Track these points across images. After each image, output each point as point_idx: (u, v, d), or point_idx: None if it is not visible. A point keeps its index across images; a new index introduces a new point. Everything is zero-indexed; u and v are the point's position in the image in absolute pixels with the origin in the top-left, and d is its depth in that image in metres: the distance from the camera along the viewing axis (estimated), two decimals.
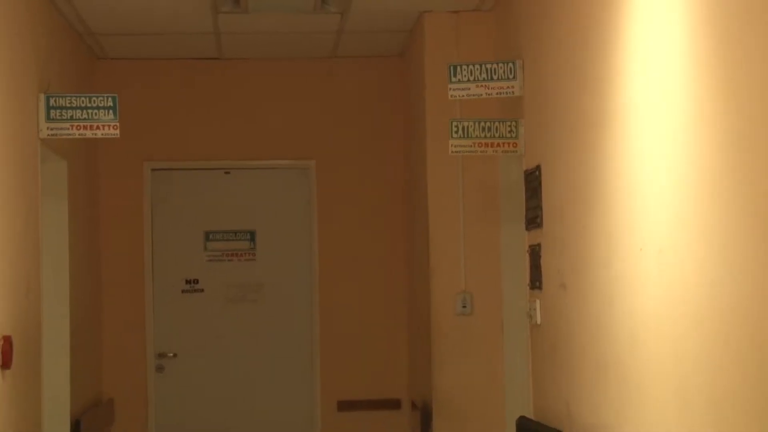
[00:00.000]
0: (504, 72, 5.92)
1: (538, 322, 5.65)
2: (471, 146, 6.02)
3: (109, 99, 5.93)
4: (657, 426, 3.89)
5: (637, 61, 4.09)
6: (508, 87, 5.92)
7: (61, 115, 5.86)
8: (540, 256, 5.60)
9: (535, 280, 5.71)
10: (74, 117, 5.88)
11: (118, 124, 5.92)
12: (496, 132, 6.00)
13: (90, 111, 5.91)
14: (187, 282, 8.02)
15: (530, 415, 5.83)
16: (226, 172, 8.12)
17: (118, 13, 6.70)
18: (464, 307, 6.75)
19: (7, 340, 4.95)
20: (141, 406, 7.87)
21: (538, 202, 5.60)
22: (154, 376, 7.93)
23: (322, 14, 6.80)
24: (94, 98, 5.95)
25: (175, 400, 7.96)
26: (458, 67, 5.96)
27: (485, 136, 6.01)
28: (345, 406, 7.95)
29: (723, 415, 3.32)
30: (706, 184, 3.40)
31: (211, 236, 8.05)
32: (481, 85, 5.95)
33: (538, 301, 5.65)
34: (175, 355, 7.97)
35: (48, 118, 5.83)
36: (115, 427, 7.79)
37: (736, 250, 3.20)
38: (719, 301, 3.32)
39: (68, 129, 5.89)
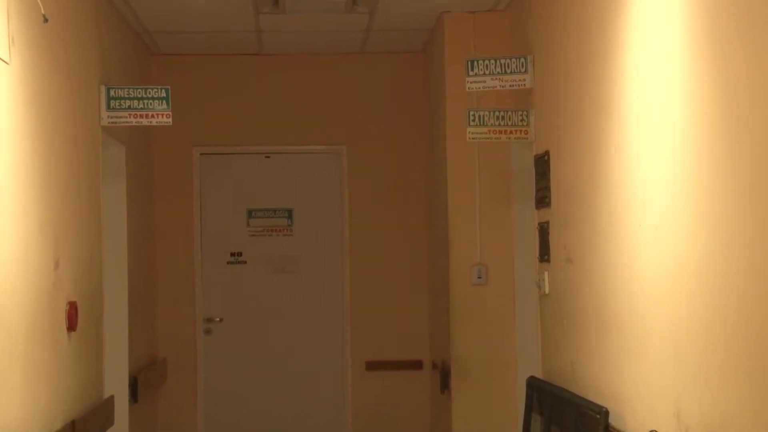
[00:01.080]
0: (516, 66, 5.92)
1: (546, 291, 5.66)
2: (486, 133, 6.03)
3: (163, 90, 5.94)
4: (653, 383, 3.90)
5: (637, 56, 4.08)
6: (520, 80, 5.92)
7: (119, 104, 5.87)
8: (548, 232, 5.61)
9: (544, 254, 5.72)
10: (131, 107, 5.89)
11: (170, 113, 5.93)
12: (509, 120, 6.00)
13: (145, 101, 5.92)
14: (232, 255, 8.05)
15: (539, 374, 5.84)
16: (267, 156, 8.12)
17: (171, 14, 6.72)
18: (479, 277, 6.76)
19: (73, 305, 4.98)
20: (191, 365, 7.92)
21: (546, 183, 5.60)
22: (203, 338, 7.97)
23: (353, 14, 6.81)
24: (149, 90, 5.96)
25: (221, 359, 7.99)
26: (475, 62, 5.96)
27: (499, 124, 6.01)
28: (372, 366, 7.97)
29: (713, 372, 3.32)
30: (699, 167, 3.40)
31: (253, 214, 8.07)
32: (496, 78, 5.95)
33: (546, 273, 5.66)
34: (221, 320, 8.01)
35: (108, 108, 5.85)
36: (167, 384, 7.84)
37: (725, 226, 3.21)
38: (709, 270, 3.33)
39: (126, 117, 5.90)
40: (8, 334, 3.97)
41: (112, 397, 5.90)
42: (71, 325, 4.95)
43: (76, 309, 5.02)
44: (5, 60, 3.99)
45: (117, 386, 6.26)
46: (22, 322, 4.16)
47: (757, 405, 3.02)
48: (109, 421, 5.79)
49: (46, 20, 4.55)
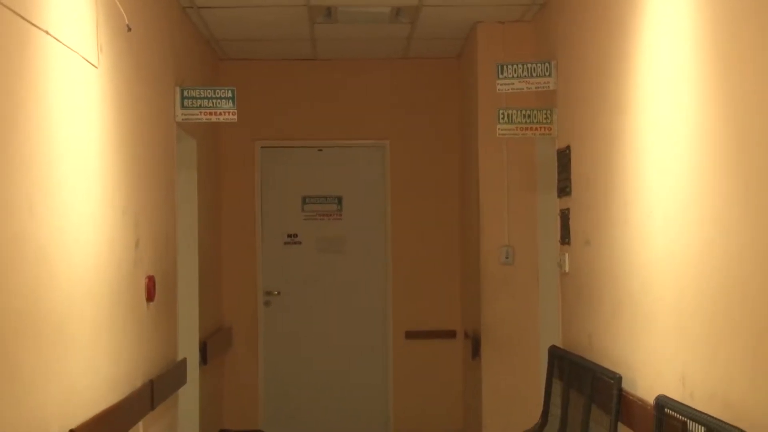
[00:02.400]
0: (541, 70, 5.90)
1: (567, 270, 5.66)
2: (514, 130, 6.01)
3: (229, 91, 5.95)
4: (661, 352, 3.90)
5: (648, 61, 4.07)
6: (544, 82, 5.90)
7: (192, 103, 5.88)
8: (569, 218, 5.60)
9: (565, 237, 5.71)
10: (202, 105, 5.90)
11: (235, 111, 5.93)
12: (534, 119, 5.98)
13: (214, 101, 5.93)
14: (288, 236, 8.07)
15: (559, 344, 5.84)
16: (319, 150, 8.13)
17: (237, 24, 6.74)
18: (507, 258, 6.75)
19: (151, 279, 5.02)
20: (252, 332, 7.95)
21: (567, 175, 5.59)
22: (263, 309, 7.99)
23: (396, 24, 6.81)
24: (217, 90, 5.97)
25: (279, 328, 8.02)
26: (504, 66, 5.95)
27: (525, 122, 6.00)
28: (411, 335, 7.97)
29: (715, 342, 3.33)
30: (703, 164, 3.40)
31: (307, 200, 8.09)
32: (523, 81, 5.93)
33: (566, 254, 5.66)
34: (278, 293, 8.04)
35: (182, 106, 5.86)
36: (232, 349, 7.88)
37: (725, 215, 3.21)
38: (711, 253, 3.33)
39: (197, 115, 5.91)
40: (96, 305, 4.02)
41: (184, 360, 5.94)
42: (149, 297, 4.99)
43: (153, 282, 5.05)
44: (94, 64, 4.04)
45: (189, 350, 6.28)
46: (107, 294, 4.20)
47: (753, 371, 3.02)
48: (182, 380, 5.84)
49: (129, 29, 4.59)
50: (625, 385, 4.37)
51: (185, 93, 5.89)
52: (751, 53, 3.01)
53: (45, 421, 3.33)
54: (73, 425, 3.60)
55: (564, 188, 5.68)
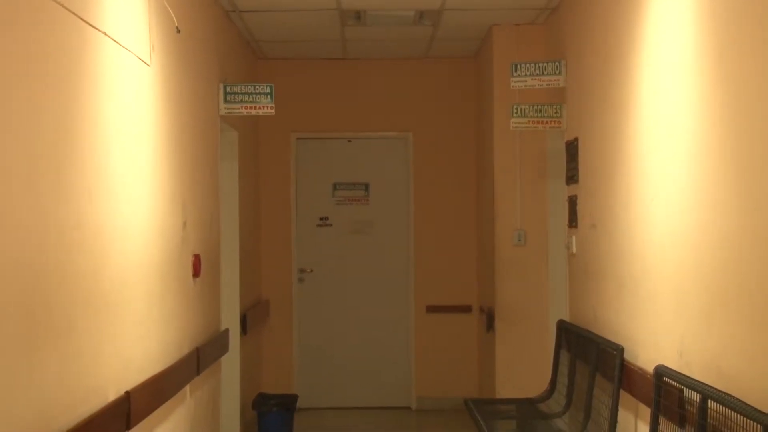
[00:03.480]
0: (552, 69, 5.88)
1: (574, 251, 5.65)
2: (527, 123, 6.00)
3: (267, 87, 5.98)
4: (661, 326, 3.90)
5: (649, 61, 4.06)
6: (555, 80, 5.88)
7: (234, 98, 5.91)
8: (576, 204, 5.59)
9: (572, 221, 5.70)
10: (243, 100, 5.93)
11: (273, 105, 5.96)
12: (545, 113, 5.96)
13: (254, 96, 5.95)
14: (320, 219, 8.08)
15: (567, 319, 5.85)
16: (349, 141, 8.12)
17: (275, 27, 6.74)
18: (519, 240, 6.74)
19: (197, 257, 5.06)
20: (287, 305, 7.98)
21: (575, 164, 5.58)
22: (297, 284, 8.01)
23: (419, 26, 6.80)
24: (257, 86, 5.99)
25: (311, 302, 8.04)
26: (518, 65, 5.93)
27: (537, 116, 5.98)
28: (431, 309, 7.98)
29: (709, 318, 3.33)
30: (699, 153, 3.39)
31: (337, 186, 8.10)
32: (535, 79, 5.91)
33: (574, 237, 5.65)
34: (311, 271, 8.06)
35: (225, 101, 5.90)
36: (270, 320, 7.92)
37: (721, 199, 3.20)
38: (707, 235, 3.32)
39: (239, 108, 5.94)
40: (147, 281, 4.05)
41: (227, 330, 5.98)
42: (196, 273, 5.03)
43: (199, 260, 5.10)
44: (147, 63, 4.06)
45: (230, 321, 6.31)
46: (158, 271, 4.23)
47: (746, 343, 3.02)
48: (225, 348, 5.88)
49: (178, 31, 4.61)
50: (626, 356, 4.37)
51: (228, 89, 5.92)
52: (748, 54, 3.00)
53: (104, 385, 3.37)
54: (129, 388, 3.64)
55: (572, 176, 5.67)
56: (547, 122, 5.96)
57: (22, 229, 2.69)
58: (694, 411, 3.30)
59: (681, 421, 3.50)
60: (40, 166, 2.83)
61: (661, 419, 3.69)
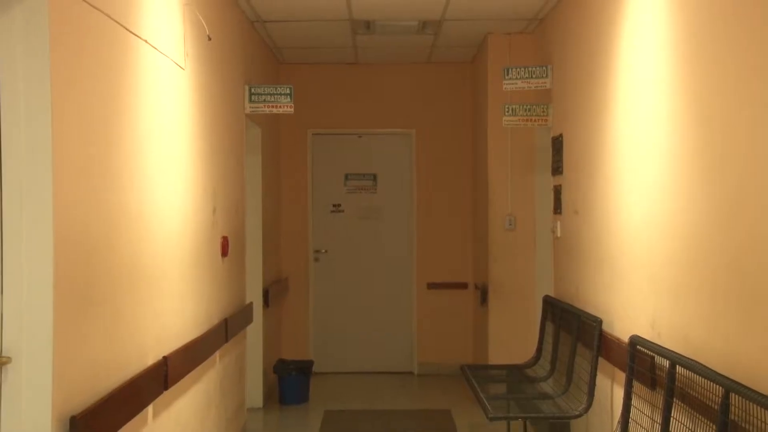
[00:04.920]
0: (540, 73, 5.87)
1: (559, 235, 5.65)
2: (517, 121, 5.99)
3: (287, 88, 5.98)
4: (635, 300, 3.91)
5: (625, 66, 4.05)
6: (542, 82, 5.87)
7: (257, 98, 5.90)
8: (561, 193, 5.58)
9: (557, 208, 5.69)
10: (266, 100, 5.92)
11: (292, 105, 5.96)
12: (534, 112, 5.96)
13: (275, 96, 5.94)
14: (333, 206, 8.06)
15: (551, 294, 5.85)
16: (359, 136, 8.10)
17: (294, 35, 6.72)
18: (510, 224, 6.73)
19: (225, 239, 5.08)
20: (304, 282, 7.97)
21: (560, 158, 5.57)
22: (313, 264, 8.00)
23: (422, 35, 6.78)
24: (278, 88, 5.99)
25: (326, 279, 8.02)
26: (510, 69, 5.93)
27: (526, 115, 5.97)
28: (431, 286, 7.97)
29: (678, 293, 3.33)
30: (672, 147, 3.40)
31: (348, 177, 8.08)
32: (525, 81, 5.90)
33: (558, 222, 5.65)
34: (325, 251, 8.04)
35: (250, 101, 5.89)
36: (289, 295, 7.91)
37: (691, 188, 3.21)
38: (678, 221, 3.33)
39: (262, 107, 5.93)
40: (182, 259, 4.07)
41: (251, 303, 5.99)
42: (224, 253, 5.04)
43: (227, 241, 5.11)
44: (182, 67, 4.07)
45: (254, 296, 6.33)
46: (191, 251, 4.25)
47: (709, 316, 3.03)
48: (249, 319, 5.90)
49: (209, 39, 4.62)
50: (604, 327, 4.39)
51: (252, 90, 5.92)
52: (713, 60, 3.01)
53: (143, 351, 3.40)
54: (166, 353, 3.67)
55: (557, 168, 5.67)
56: (535, 120, 5.96)
57: (77, 212, 2.72)
58: (664, 375, 3.32)
59: (652, 384, 3.53)
60: (91, 157, 2.86)
61: (635, 383, 3.71)
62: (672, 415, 3.22)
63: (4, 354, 2.47)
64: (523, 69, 5.89)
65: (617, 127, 4.22)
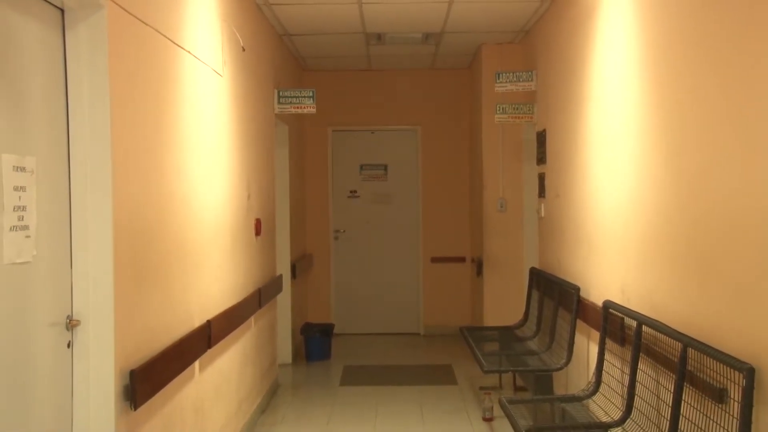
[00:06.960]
0: (526, 77, 5.85)
1: (543, 215, 5.63)
2: (507, 118, 5.98)
3: (310, 92, 5.96)
4: (608, 270, 3.91)
5: (597, 70, 4.04)
6: (528, 85, 5.85)
7: (285, 100, 5.89)
8: (544, 179, 5.56)
9: (541, 193, 5.68)
10: (292, 102, 5.90)
11: (314, 106, 5.94)
12: (521, 110, 5.94)
13: (300, 98, 5.92)
14: (350, 192, 8.04)
15: (537, 266, 5.85)
16: (372, 132, 8.06)
17: (316, 46, 6.70)
18: (501, 207, 6.73)
19: (258, 221, 5.08)
20: (326, 257, 7.98)
21: (544, 149, 5.56)
22: (333, 241, 8.00)
23: (426, 45, 6.75)
24: (302, 91, 5.96)
25: (344, 254, 8.02)
26: (501, 74, 5.90)
27: (515, 113, 5.96)
28: (435, 260, 7.97)
29: (645, 263, 3.34)
30: (640, 139, 3.39)
31: (363, 167, 8.05)
32: (513, 84, 5.88)
33: (542, 204, 5.64)
34: (344, 231, 8.04)
35: (278, 102, 5.88)
36: (313, 268, 7.92)
37: (657, 174, 3.21)
38: (646, 201, 3.33)
39: (289, 108, 5.91)
40: (222, 239, 4.09)
41: (281, 275, 5.98)
42: (257, 233, 5.05)
43: (260, 223, 5.12)
44: (220, 74, 4.08)
45: (284, 269, 6.34)
46: (230, 231, 4.27)
47: (671, 283, 3.04)
48: (279, 289, 5.90)
49: (243, 50, 4.62)
50: (582, 294, 4.40)
51: (280, 93, 5.91)
52: (673, 66, 3.00)
53: (190, 315, 3.44)
54: (209, 317, 3.70)
55: (541, 158, 5.66)
56: (522, 117, 5.94)
57: (132, 201, 2.75)
58: (632, 334, 3.34)
59: (622, 342, 3.54)
60: (144, 154, 2.88)
61: (608, 341, 3.73)
62: (639, 367, 3.24)
63: (75, 317, 2.51)
64: (512, 74, 5.88)
65: (591, 123, 4.21)
